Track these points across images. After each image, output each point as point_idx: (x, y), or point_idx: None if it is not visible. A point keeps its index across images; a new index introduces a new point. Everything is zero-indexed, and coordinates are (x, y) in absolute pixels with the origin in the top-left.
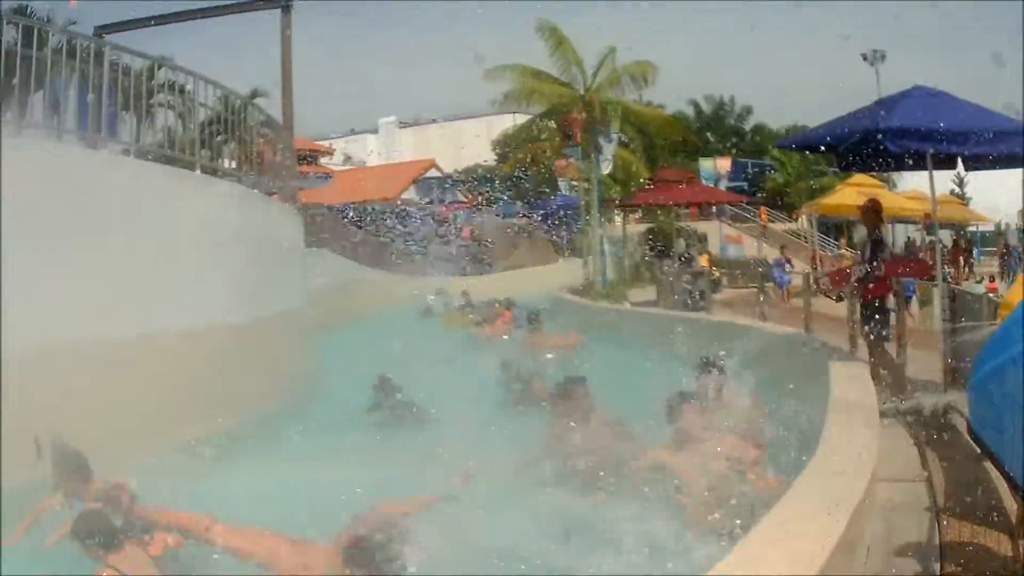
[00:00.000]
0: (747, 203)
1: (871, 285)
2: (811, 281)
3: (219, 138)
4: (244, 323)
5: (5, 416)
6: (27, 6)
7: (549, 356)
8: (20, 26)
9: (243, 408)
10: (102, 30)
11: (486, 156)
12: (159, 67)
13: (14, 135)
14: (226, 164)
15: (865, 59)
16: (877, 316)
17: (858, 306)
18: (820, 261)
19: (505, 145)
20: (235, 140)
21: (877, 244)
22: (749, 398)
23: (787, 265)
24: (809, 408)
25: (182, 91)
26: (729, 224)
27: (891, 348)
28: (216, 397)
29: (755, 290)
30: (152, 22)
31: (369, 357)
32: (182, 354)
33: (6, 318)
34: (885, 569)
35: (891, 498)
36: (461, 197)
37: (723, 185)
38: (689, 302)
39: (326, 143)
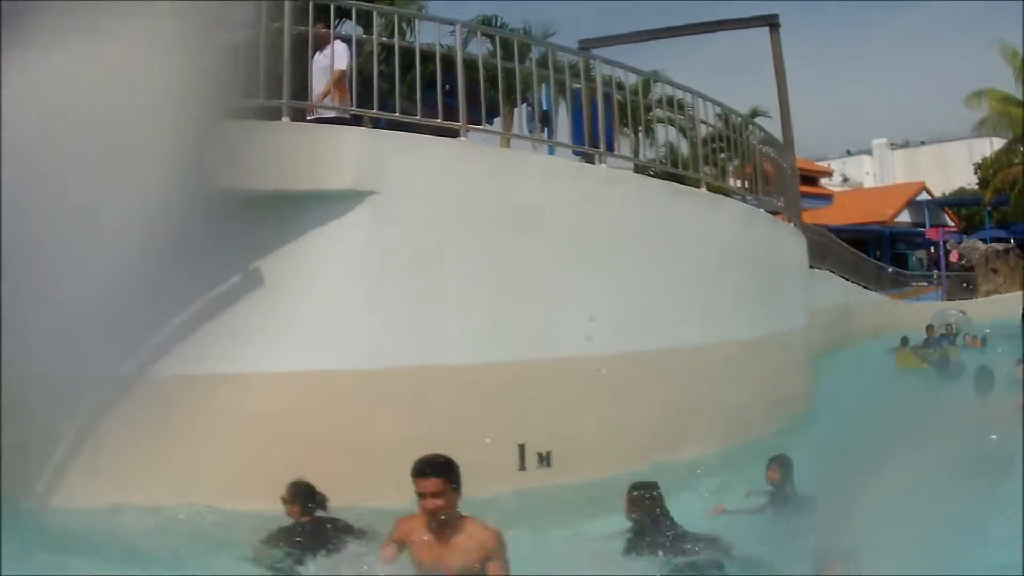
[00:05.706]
0: None
1: None
2: None
3: (722, 156)
4: (751, 340)
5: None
6: (495, 18)
7: None
8: (497, 38)
9: (744, 429)
10: (586, 43)
11: (970, 179)
12: (654, 82)
13: (503, 145)
14: (730, 183)
15: None
16: None
17: None
18: None
19: (985, 169)
20: (738, 158)
21: None
22: None
23: None
24: None
25: (681, 107)
26: None
27: None
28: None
29: None
30: (638, 38)
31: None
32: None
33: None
34: None
35: None
36: (949, 220)
37: None
38: None
39: (824, 163)
